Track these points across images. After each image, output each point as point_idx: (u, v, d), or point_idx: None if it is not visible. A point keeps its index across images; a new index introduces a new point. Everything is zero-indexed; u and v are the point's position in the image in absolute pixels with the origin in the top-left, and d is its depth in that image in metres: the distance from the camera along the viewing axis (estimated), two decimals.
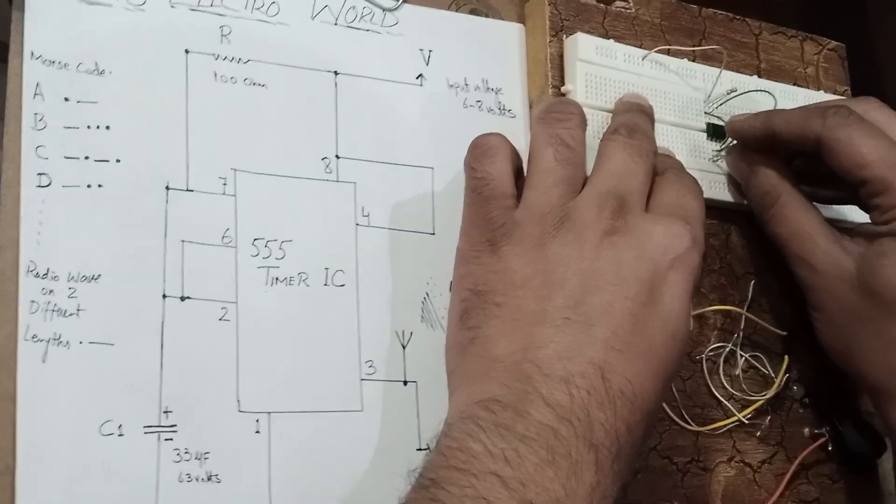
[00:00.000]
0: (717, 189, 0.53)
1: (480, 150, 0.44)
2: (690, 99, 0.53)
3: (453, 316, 0.42)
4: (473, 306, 0.41)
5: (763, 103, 0.54)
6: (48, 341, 0.39)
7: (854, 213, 0.55)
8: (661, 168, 0.46)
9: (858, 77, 0.61)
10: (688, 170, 0.49)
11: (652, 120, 0.49)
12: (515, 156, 0.45)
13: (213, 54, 0.45)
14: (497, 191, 0.43)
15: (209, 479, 0.40)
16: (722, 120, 0.53)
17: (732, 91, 0.53)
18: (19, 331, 0.39)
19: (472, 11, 0.52)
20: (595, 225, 0.40)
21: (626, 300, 0.39)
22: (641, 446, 0.39)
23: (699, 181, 0.51)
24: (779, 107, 0.53)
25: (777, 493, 0.51)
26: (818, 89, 0.59)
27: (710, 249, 0.53)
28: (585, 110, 0.48)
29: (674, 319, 0.40)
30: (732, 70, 0.55)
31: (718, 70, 0.53)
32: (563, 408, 0.36)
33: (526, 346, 0.38)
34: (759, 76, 0.57)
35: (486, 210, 0.42)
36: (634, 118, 0.47)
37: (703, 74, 0.53)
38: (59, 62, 0.42)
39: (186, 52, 0.44)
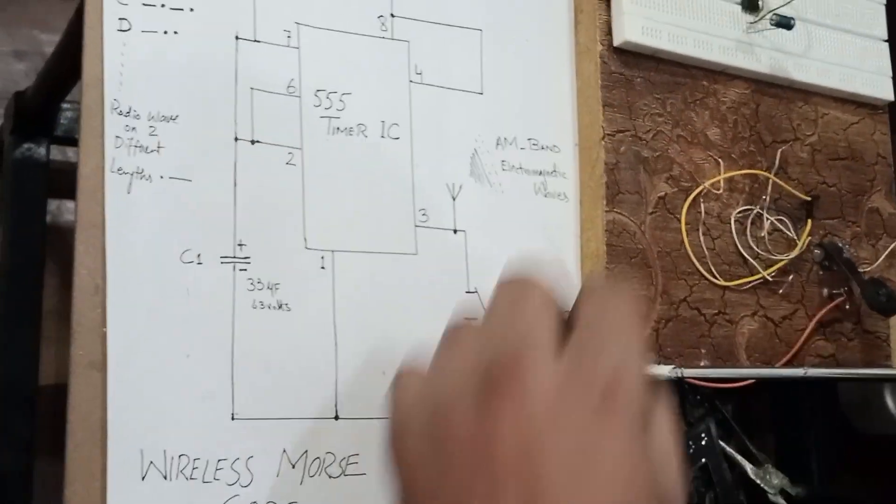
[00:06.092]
0: (751, 59, 0.55)
1: None
2: None
3: None
4: None
5: None
6: (132, 174, 0.42)
7: None
8: None
9: None
10: (723, 40, 0.51)
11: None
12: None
13: None
14: None
15: (280, 307, 0.44)
16: None
17: None
18: (106, 163, 0.41)
19: None
20: None
21: None
22: None
23: (734, 51, 0.54)
24: None
25: (796, 347, 0.55)
26: None
27: (742, 117, 0.55)
28: None
29: None
30: None
31: None
32: None
33: None
34: None
35: None
36: None
37: None
38: None
39: None
